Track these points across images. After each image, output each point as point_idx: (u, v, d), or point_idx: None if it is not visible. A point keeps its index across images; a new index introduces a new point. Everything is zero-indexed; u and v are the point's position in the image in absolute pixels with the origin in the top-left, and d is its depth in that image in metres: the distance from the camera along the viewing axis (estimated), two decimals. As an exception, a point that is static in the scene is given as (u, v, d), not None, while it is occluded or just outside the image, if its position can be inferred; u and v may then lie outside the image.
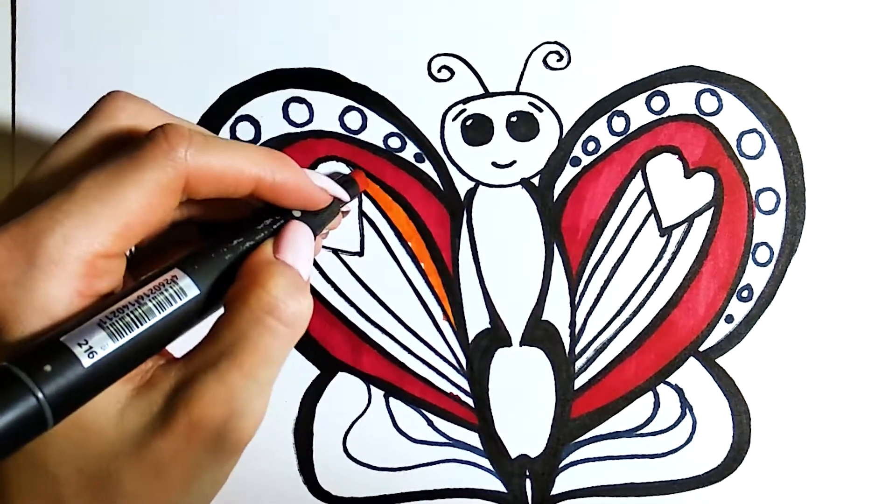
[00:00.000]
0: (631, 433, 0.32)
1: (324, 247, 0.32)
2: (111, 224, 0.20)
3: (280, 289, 0.21)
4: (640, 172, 0.32)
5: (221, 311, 0.22)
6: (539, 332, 0.32)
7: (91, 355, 0.18)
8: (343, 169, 0.32)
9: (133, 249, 0.23)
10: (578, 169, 0.32)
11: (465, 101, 0.32)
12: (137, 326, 0.20)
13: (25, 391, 0.17)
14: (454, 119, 0.32)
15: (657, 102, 0.32)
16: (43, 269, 0.19)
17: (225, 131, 0.32)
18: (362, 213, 0.32)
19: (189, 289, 0.21)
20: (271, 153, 0.23)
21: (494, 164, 0.32)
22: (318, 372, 0.32)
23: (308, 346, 0.32)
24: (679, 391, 0.32)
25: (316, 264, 0.32)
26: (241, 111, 0.32)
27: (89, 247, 0.20)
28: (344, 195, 0.26)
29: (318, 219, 0.25)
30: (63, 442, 0.20)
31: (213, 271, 0.22)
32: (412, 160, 0.32)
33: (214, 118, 0.32)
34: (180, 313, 0.21)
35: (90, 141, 0.23)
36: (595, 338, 0.32)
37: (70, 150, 0.23)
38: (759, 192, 0.32)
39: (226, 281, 0.22)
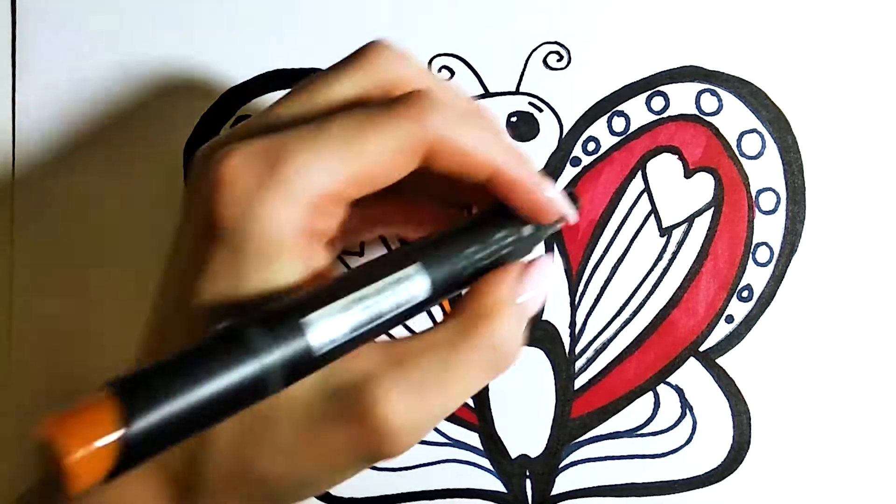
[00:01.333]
0: (631, 433, 0.32)
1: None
2: (351, 169, 0.20)
3: (513, 339, 0.22)
4: (640, 172, 0.32)
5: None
6: (539, 333, 0.32)
7: (322, 346, 0.18)
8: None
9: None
10: (578, 169, 0.32)
11: (465, 101, 0.32)
12: (370, 321, 0.20)
13: (260, 361, 0.17)
14: (454, 119, 0.32)
15: (657, 102, 0.32)
16: (279, 188, 0.19)
17: (225, 131, 0.32)
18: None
19: (423, 292, 0.21)
20: (516, 149, 0.23)
21: (494, 164, 0.32)
22: (318, 372, 0.32)
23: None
24: (679, 391, 0.32)
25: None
26: (242, 111, 0.32)
27: (325, 183, 0.20)
28: (571, 215, 0.24)
29: (534, 237, 0.24)
30: None
31: (445, 277, 0.21)
32: (412, 160, 0.32)
33: (214, 118, 0.32)
34: (404, 313, 0.21)
35: (351, 85, 0.23)
36: (595, 338, 0.32)
37: (329, 89, 0.23)
38: (760, 192, 0.32)
39: (451, 286, 0.22)
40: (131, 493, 0.21)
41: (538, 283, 0.23)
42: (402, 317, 0.21)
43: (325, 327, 0.18)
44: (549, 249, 0.32)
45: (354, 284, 0.20)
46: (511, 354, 0.22)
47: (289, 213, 0.20)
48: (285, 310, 0.18)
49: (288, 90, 0.23)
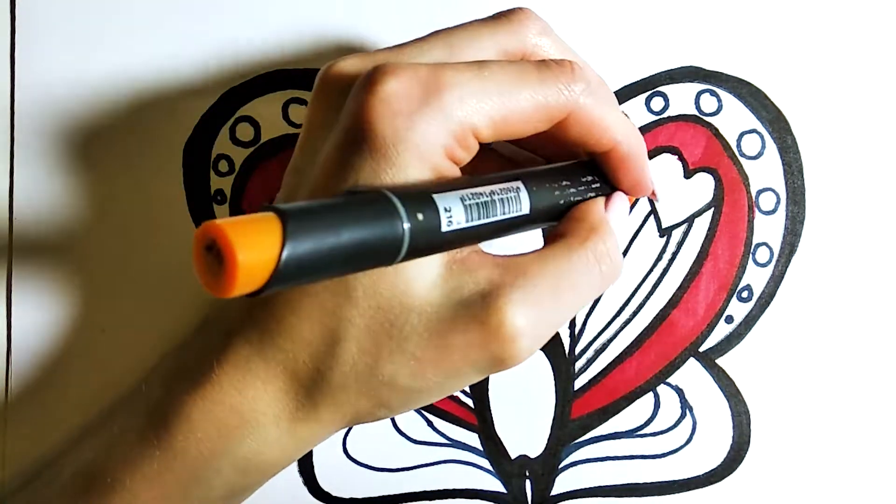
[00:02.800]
0: (631, 434, 0.32)
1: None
2: (501, 113, 0.22)
3: (613, 246, 0.24)
4: (639, 173, 0.32)
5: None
6: (539, 333, 0.32)
7: (449, 223, 0.20)
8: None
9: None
10: (578, 169, 0.32)
11: (465, 101, 0.32)
12: (484, 216, 0.21)
13: (398, 220, 0.19)
14: (454, 119, 0.32)
15: (657, 103, 0.32)
16: (432, 114, 0.21)
17: (224, 132, 0.32)
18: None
19: (524, 205, 0.23)
20: (635, 129, 0.26)
21: (494, 164, 0.32)
22: (317, 372, 0.32)
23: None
24: (679, 392, 0.32)
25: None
26: (241, 112, 0.32)
27: (471, 118, 0.21)
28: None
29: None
30: (380, 280, 0.21)
31: (543, 200, 0.24)
32: (412, 161, 0.32)
33: (214, 118, 0.32)
34: (508, 221, 0.22)
35: (493, 43, 0.24)
36: (595, 338, 0.32)
37: (471, 40, 0.24)
38: (759, 192, 0.32)
39: (546, 213, 0.24)
40: (253, 390, 0.23)
41: (622, 210, 0.26)
42: (505, 228, 0.22)
43: (450, 208, 0.20)
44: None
45: (472, 183, 0.22)
46: (618, 265, 0.24)
47: (440, 136, 0.21)
48: (420, 188, 0.20)
49: (410, 40, 0.25)
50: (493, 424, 0.32)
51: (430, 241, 0.20)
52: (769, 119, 0.32)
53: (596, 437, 0.32)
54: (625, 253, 0.32)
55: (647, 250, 0.32)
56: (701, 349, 0.32)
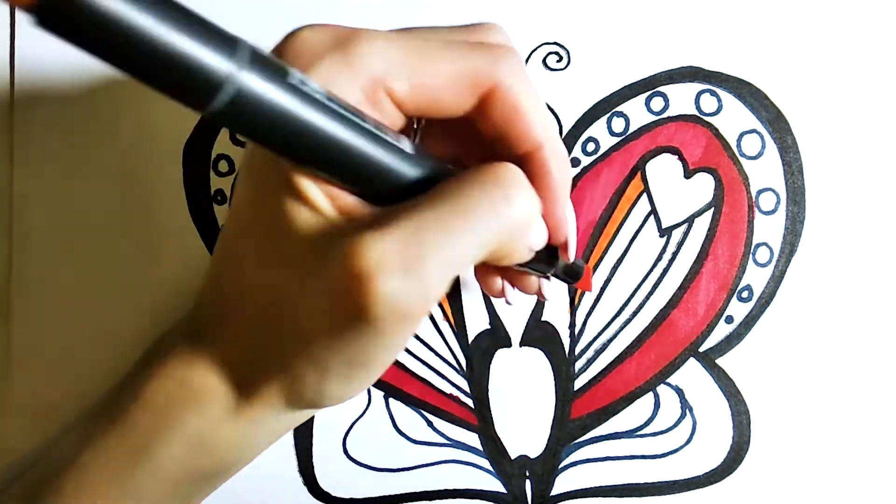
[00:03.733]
0: (631, 434, 0.32)
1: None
2: (415, 69, 0.20)
3: (517, 177, 0.21)
4: (639, 173, 0.32)
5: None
6: (539, 333, 0.32)
7: (302, 83, 0.18)
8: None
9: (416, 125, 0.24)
10: (578, 170, 0.32)
11: (465, 101, 0.32)
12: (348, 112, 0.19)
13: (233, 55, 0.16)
14: (454, 120, 0.32)
15: (657, 103, 0.32)
16: (337, 60, 0.20)
17: (224, 132, 0.32)
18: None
19: (403, 143, 0.20)
20: (562, 144, 0.23)
21: (494, 164, 0.32)
22: (317, 373, 0.32)
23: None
24: (679, 392, 0.32)
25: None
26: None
27: (383, 74, 0.20)
28: (568, 255, 0.27)
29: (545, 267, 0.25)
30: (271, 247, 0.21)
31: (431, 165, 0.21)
32: (412, 161, 0.32)
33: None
34: (384, 155, 0.19)
35: (449, 34, 0.23)
36: (595, 338, 0.32)
37: (428, 32, 0.23)
38: (760, 192, 0.32)
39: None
40: (202, 366, 0.23)
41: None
42: (381, 156, 0.20)
43: (306, 82, 0.18)
44: (548, 250, 0.32)
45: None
46: (522, 209, 0.21)
47: (344, 85, 0.20)
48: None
49: None
50: (493, 425, 0.32)
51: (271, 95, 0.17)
52: (769, 119, 0.32)
53: (596, 437, 0.32)
54: (625, 253, 0.32)
55: (648, 250, 0.32)
56: (701, 349, 0.32)
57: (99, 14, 0.14)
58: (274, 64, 0.17)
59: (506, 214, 0.20)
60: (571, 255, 0.27)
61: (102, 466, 0.23)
